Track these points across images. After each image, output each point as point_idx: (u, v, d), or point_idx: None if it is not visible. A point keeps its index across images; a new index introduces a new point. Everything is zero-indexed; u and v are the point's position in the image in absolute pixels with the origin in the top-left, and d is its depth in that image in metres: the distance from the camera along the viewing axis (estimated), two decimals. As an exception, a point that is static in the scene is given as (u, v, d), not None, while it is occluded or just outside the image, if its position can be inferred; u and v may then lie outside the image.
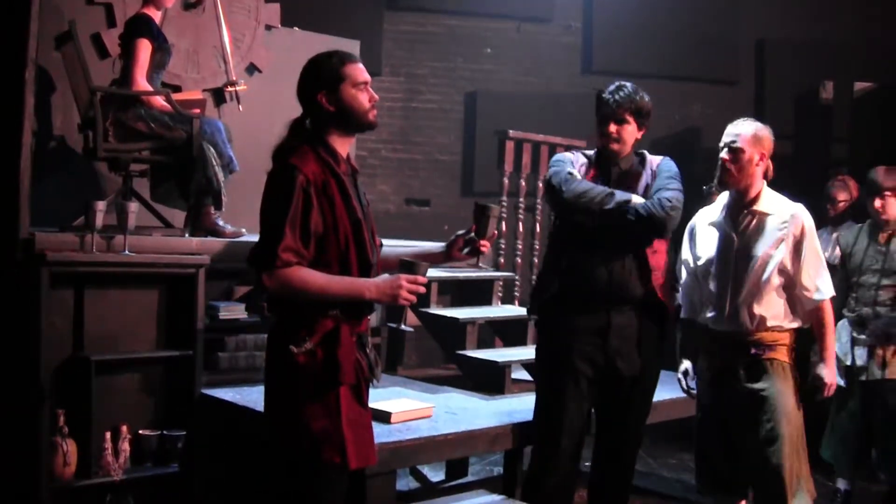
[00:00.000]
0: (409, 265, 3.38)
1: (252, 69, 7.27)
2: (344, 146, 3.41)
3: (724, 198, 4.40)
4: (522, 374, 5.60)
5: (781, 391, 4.20)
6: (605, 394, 4.39)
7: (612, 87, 4.34)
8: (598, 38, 9.63)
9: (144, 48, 5.56)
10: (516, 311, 6.34)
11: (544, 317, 4.50)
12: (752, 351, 4.23)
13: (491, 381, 5.35)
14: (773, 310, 4.20)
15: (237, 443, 4.77)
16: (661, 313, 4.38)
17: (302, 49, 7.61)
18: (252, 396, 4.78)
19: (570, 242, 4.30)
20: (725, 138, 4.27)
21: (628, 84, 4.35)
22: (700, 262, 4.40)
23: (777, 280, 4.20)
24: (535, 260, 7.22)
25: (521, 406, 4.90)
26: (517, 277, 7.05)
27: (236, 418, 4.71)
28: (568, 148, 6.78)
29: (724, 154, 4.24)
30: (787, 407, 4.19)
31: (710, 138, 9.46)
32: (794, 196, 4.37)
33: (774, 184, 4.36)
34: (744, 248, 4.23)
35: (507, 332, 6.14)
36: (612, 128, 4.29)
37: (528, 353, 5.64)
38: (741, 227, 4.26)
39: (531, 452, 4.53)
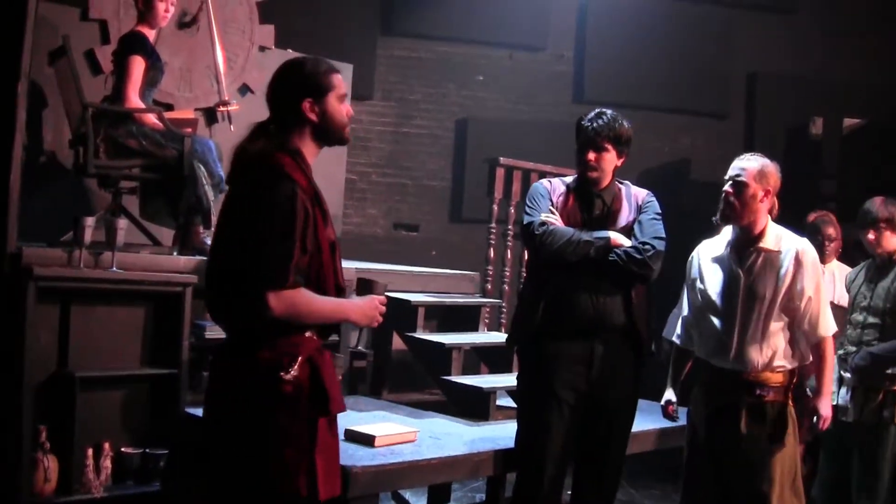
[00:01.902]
0: (368, 284, 3.35)
1: (245, 90, 7.28)
2: (313, 158, 3.30)
3: (726, 231, 4.36)
4: (507, 401, 5.59)
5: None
6: (587, 422, 4.37)
7: (591, 115, 4.31)
8: (591, 68, 9.70)
9: (137, 66, 5.57)
10: (503, 337, 6.32)
11: (527, 345, 4.48)
12: (757, 392, 4.20)
13: (475, 407, 5.34)
14: (779, 350, 4.18)
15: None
16: (640, 342, 4.38)
17: (295, 71, 7.65)
18: (236, 417, 4.76)
19: (553, 272, 4.29)
20: (730, 171, 4.22)
21: (608, 111, 4.31)
22: (704, 298, 4.36)
23: (784, 319, 4.19)
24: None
25: (504, 433, 4.88)
26: (504, 304, 7.05)
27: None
28: (557, 177, 6.80)
29: (727, 187, 4.20)
30: (783, 450, 4.19)
31: (700, 171, 9.65)
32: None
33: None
34: (751, 286, 4.19)
35: (493, 359, 6.13)
36: (591, 156, 4.27)
37: (513, 380, 5.60)
38: (747, 264, 4.22)
39: (514, 481, 4.51)
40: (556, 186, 4.43)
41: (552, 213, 4.31)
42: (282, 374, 3.08)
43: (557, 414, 4.28)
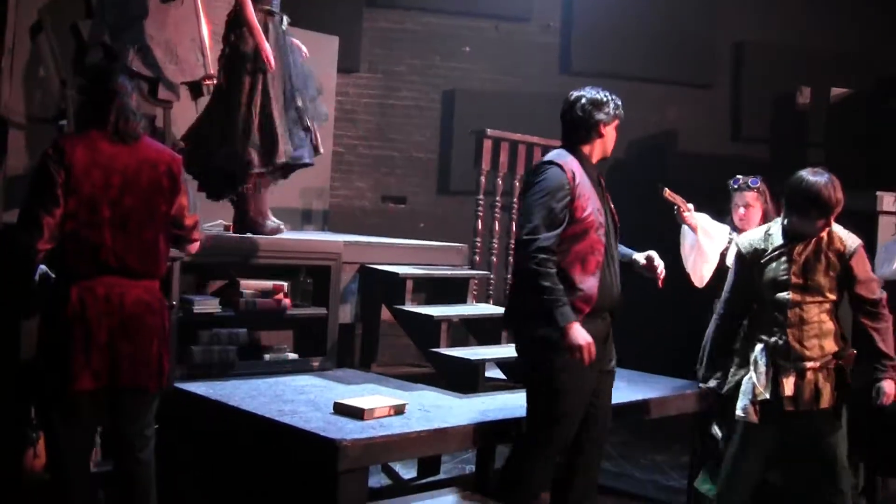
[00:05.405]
0: None
1: (230, 63, 7.21)
2: None
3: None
4: (496, 373, 5.61)
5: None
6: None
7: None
8: (577, 38, 9.67)
9: None
10: (491, 309, 6.34)
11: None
12: None
13: (464, 379, 5.35)
14: None
15: (208, 437, 4.76)
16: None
17: (280, 44, 7.57)
18: (225, 391, 4.77)
19: None
20: None
21: None
22: None
23: None
24: (510, 259, 7.23)
25: (494, 404, 4.90)
26: (492, 276, 7.05)
27: (208, 413, 4.70)
28: (545, 149, 6.78)
29: None
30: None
31: (687, 141, 9.64)
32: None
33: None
34: None
35: (482, 331, 6.14)
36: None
37: (501, 351, 5.65)
38: None
39: (513, 450, 4.48)
40: (571, 166, 4.27)
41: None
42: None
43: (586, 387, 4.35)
